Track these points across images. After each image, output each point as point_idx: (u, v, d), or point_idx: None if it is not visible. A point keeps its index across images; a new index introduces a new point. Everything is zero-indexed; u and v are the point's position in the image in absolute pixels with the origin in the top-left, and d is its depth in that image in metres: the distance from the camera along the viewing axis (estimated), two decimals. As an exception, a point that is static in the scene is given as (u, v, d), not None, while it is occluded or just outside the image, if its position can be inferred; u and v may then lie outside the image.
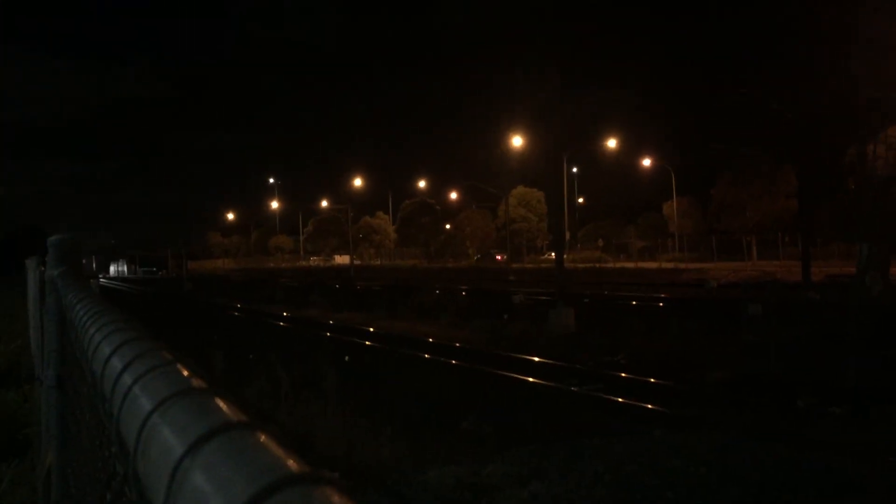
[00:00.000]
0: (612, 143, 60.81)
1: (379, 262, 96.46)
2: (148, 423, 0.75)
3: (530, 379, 14.37)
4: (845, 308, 14.75)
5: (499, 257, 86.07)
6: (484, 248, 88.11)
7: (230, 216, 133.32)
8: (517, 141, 50.59)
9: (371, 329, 24.22)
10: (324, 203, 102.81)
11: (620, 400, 12.31)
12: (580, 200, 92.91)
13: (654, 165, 73.47)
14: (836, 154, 43.69)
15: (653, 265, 62.37)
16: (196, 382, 0.83)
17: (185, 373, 0.89)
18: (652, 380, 13.84)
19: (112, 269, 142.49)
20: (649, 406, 11.79)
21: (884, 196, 16.75)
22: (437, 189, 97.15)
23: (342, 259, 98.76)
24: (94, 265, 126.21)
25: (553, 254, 33.29)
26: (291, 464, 0.50)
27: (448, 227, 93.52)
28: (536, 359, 16.57)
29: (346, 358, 17.20)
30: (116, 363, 1.11)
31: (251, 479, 0.49)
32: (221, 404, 0.70)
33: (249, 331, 25.10)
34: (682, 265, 58.07)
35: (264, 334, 23.39)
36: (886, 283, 15.30)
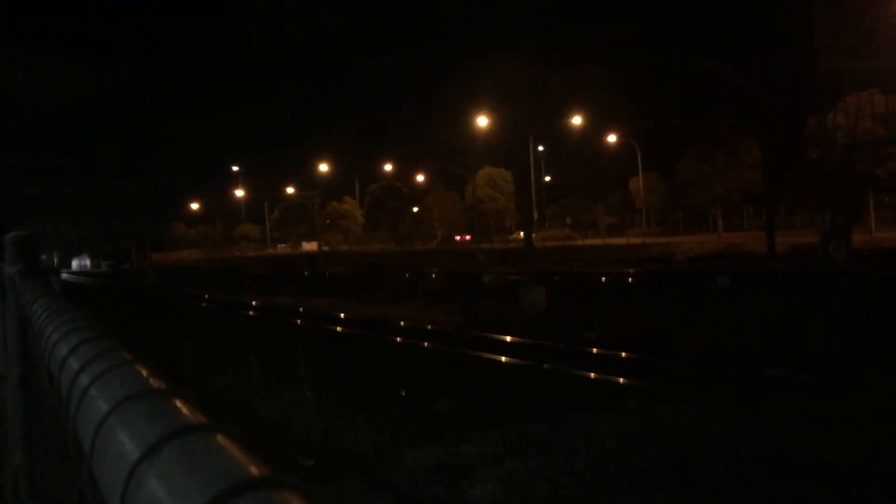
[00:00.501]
0: (577, 121, 61.02)
1: (347, 248, 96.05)
2: (104, 426, 0.72)
3: (503, 358, 14.44)
4: (811, 278, 15.01)
5: (458, 238, 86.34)
6: (453, 230, 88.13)
7: (194, 206, 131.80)
8: (483, 121, 50.53)
9: (342, 315, 24.15)
10: (290, 190, 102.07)
11: (594, 376, 12.42)
12: (547, 179, 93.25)
13: (619, 142, 73.91)
14: (797, 125, 44.33)
15: (621, 241, 62.89)
16: (155, 383, 0.80)
17: (144, 373, 0.86)
18: (624, 354, 13.99)
19: (74, 263, 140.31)
20: (622, 381, 11.91)
21: (845, 165, 17.03)
22: (405, 172, 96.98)
23: (310, 246, 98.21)
24: (55, 260, 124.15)
25: (522, 233, 33.42)
26: (251, 467, 0.47)
27: (416, 209, 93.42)
28: (509, 338, 16.65)
29: (319, 345, 17.13)
30: (73, 363, 1.07)
31: (208, 485, 0.46)
32: (180, 406, 0.67)
33: (219, 321, 24.89)
34: (650, 240, 58.64)
35: (234, 324, 23.21)
36: (849, 252, 15.57)
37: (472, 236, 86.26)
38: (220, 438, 0.55)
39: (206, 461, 0.50)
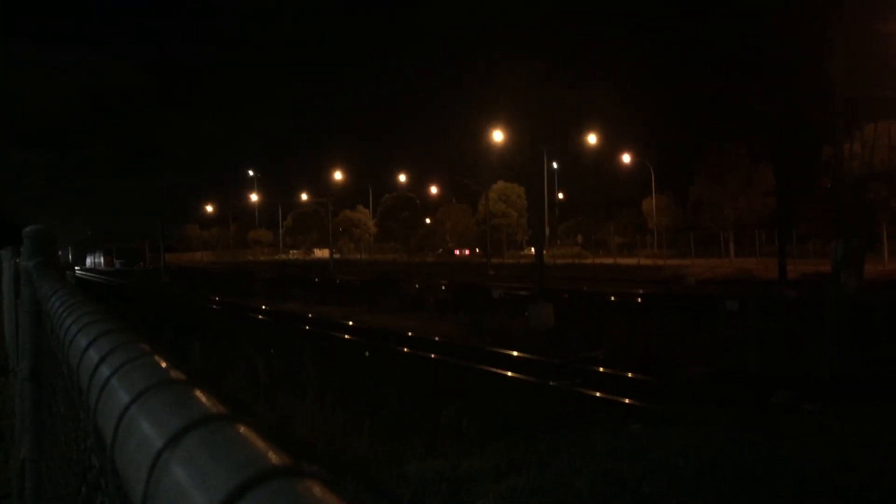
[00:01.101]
0: (592, 139, 61.07)
1: (359, 256, 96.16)
2: (126, 416, 0.74)
3: (509, 373, 14.41)
4: (820, 305, 14.92)
5: (458, 252, 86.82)
6: (464, 243, 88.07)
7: (209, 208, 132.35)
8: (498, 136, 50.65)
9: (350, 323, 24.17)
10: (304, 196, 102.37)
11: (599, 395, 12.38)
12: (560, 196, 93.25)
13: (633, 162, 73.88)
14: (812, 153, 44.19)
15: (631, 261, 62.71)
16: (175, 374, 0.82)
17: (164, 364, 0.88)
18: (630, 374, 13.93)
19: (88, 260, 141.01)
20: (628, 401, 11.87)
21: (859, 194, 16.97)
22: (418, 183, 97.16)
23: (322, 253, 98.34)
24: (70, 257, 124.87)
25: (533, 249, 33.41)
26: (273, 456, 0.49)
27: (428, 221, 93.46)
28: (516, 353, 16.62)
29: (326, 352, 17.14)
30: (93, 355, 1.10)
31: (232, 472, 0.48)
32: (201, 396, 0.69)
33: (228, 324, 24.95)
34: (661, 261, 58.44)
35: (243, 328, 23.26)
36: (861, 281, 15.49)
37: (470, 251, 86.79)
38: (241, 428, 0.56)
39: (229, 449, 0.52)
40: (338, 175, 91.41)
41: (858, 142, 22.63)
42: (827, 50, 19.05)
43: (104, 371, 0.96)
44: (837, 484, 7.42)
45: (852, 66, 18.84)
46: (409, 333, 20.69)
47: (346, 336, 21.34)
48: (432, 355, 17.02)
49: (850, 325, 13.74)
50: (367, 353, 17.75)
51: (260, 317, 28.71)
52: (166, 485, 0.54)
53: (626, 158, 73.62)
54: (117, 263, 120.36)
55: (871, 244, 39.95)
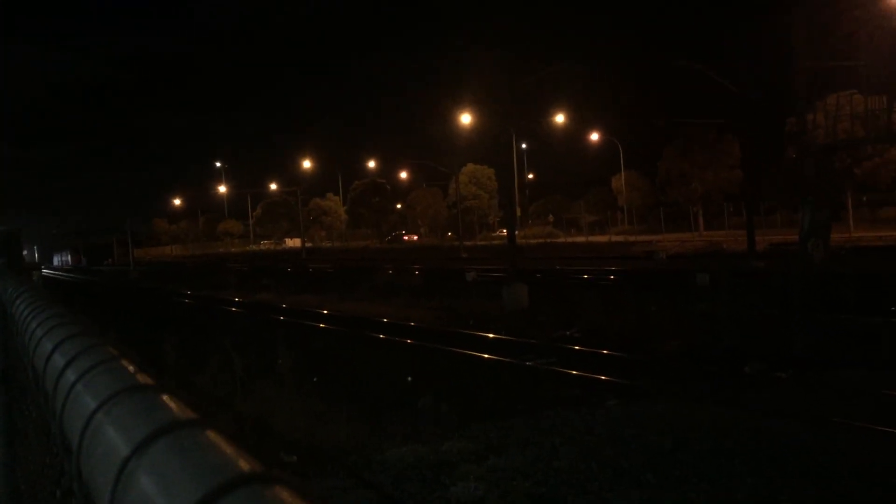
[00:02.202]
0: (560, 119, 61.11)
1: (330, 244, 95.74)
2: (92, 423, 0.72)
3: (486, 355, 14.47)
4: (789, 276, 15.14)
5: (406, 237, 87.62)
6: (437, 227, 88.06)
7: (177, 202, 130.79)
8: (466, 118, 50.54)
9: (325, 311, 24.09)
10: (273, 186, 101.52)
11: (575, 373, 12.48)
12: (530, 176, 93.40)
13: (602, 140, 74.16)
14: (777, 124, 44.70)
15: (603, 239, 63.12)
16: (142, 379, 0.80)
17: (131, 369, 0.87)
18: (605, 352, 14.05)
19: (56, 259, 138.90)
20: (603, 378, 11.97)
21: (823, 164, 17.19)
22: (388, 169, 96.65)
23: (293, 242, 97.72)
24: (36, 256, 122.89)
25: (505, 230, 33.50)
26: (243, 463, 0.48)
27: (399, 206, 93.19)
28: (491, 335, 16.67)
29: (301, 341, 17.08)
30: (59, 359, 1.07)
31: (200, 481, 0.47)
32: (169, 401, 0.68)
33: (201, 318, 24.76)
34: (632, 238, 58.89)
35: (217, 320, 23.09)
36: (827, 250, 15.73)
37: (410, 236, 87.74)
38: (210, 434, 0.55)
39: (197, 457, 0.51)
40: (307, 164, 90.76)
41: (822, 112, 22.91)
42: (789, 21, 19.23)
43: (70, 376, 0.94)
44: (807, 454, 7.57)
45: (813, 37, 19.04)
46: (385, 320, 20.67)
47: (322, 325, 21.28)
48: (408, 341, 17.03)
49: (818, 295, 13.96)
50: (342, 342, 17.72)
51: (233, 309, 28.52)
52: (133, 494, 0.53)
53: (595, 137, 73.89)
54: (84, 261, 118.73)
55: (836, 213, 40.57)
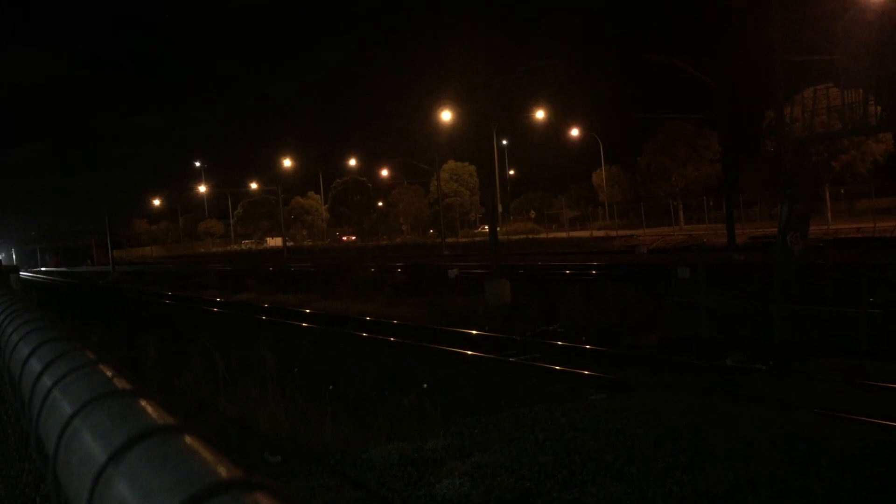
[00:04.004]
0: (540, 115, 61.22)
1: (312, 243, 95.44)
2: (68, 429, 0.71)
3: (469, 352, 14.48)
4: (769, 269, 15.26)
5: (345, 238, 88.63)
6: (419, 224, 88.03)
7: (156, 202, 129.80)
8: (446, 115, 50.52)
9: (307, 310, 24.01)
10: (253, 185, 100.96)
11: (558, 368, 12.52)
12: (511, 172, 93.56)
13: (582, 135, 74.38)
14: (755, 118, 45.04)
15: (584, 234, 63.38)
16: (120, 383, 0.79)
17: (109, 373, 0.85)
18: (588, 346, 14.11)
19: (34, 261, 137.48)
20: (587, 372, 12.02)
21: (801, 157, 17.32)
22: (369, 166, 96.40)
23: (274, 241, 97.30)
24: (13, 258, 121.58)
25: (486, 227, 33.53)
26: (221, 469, 0.47)
27: (380, 204, 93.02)
28: (474, 332, 16.69)
29: (284, 340, 17.01)
30: (35, 364, 1.06)
31: (179, 487, 0.46)
32: (147, 406, 0.67)
33: (183, 318, 24.60)
34: (613, 233, 59.15)
35: (199, 321, 22.95)
36: (806, 243, 15.84)
37: (349, 237, 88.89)
38: (188, 439, 0.55)
39: (175, 463, 0.50)
40: (287, 162, 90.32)
41: (799, 106, 23.10)
42: (765, 15, 19.35)
43: (46, 381, 0.92)
44: (788, 443, 7.64)
45: (789, 30, 19.17)
46: (367, 318, 20.64)
47: (304, 324, 21.20)
48: (391, 339, 17.00)
49: (797, 287, 14.08)
50: (325, 340, 17.67)
51: (215, 309, 28.36)
52: (109, 502, 0.52)
53: (575, 132, 74.10)
54: (63, 263, 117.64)
55: (815, 206, 40.95)
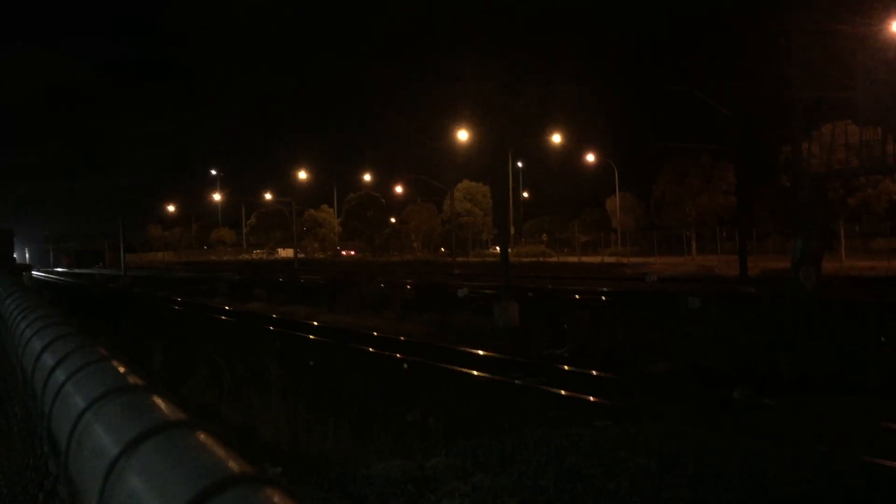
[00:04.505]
0: (556, 139, 61.39)
1: (323, 256, 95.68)
2: (81, 422, 0.72)
3: (475, 372, 14.44)
4: (780, 302, 15.18)
5: (344, 252, 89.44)
6: (430, 242, 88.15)
7: (170, 208, 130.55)
8: (463, 135, 50.71)
9: (315, 323, 24.03)
10: (267, 195, 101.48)
11: (564, 392, 12.46)
12: (525, 195, 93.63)
13: (597, 161, 74.48)
14: (772, 151, 45.00)
15: (596, 259, 63.23)
16: (133, 379, 0.80)
17: (122, 369, 0.86)
18: (595, 372, 14.04)
19: (46, 261, 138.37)
20: (592, 398, 11.95)
21: (817, 193, 17.28)
22: (383, 182, 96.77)
23: (286, 252, 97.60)
24: (26, 258, 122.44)
25: (498, 248, 33.55)
26: (233, 464, 0.48)
27: (393, 220, 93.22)
28: (481, 352, 16.65)
29: (290, 352, 17.02)
30: (48, 359, 1.07)
31: (191, 481, 0.47)
32: (159, 402, 0.67)
33: (191, 325, 24.66)
34: (625, 259, 59.00)
35: (206, 328, 23.00)
36: (819, 278, 15.78)
37: (349, 252, 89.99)
38: (200, 435, 0.55)
39: (187, 457, 0.51)
40: (302, 174, 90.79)
41: (816, 142, 23.09)
42: (784, 51, 19.40)
43: (59, 375, 0.93)
44: (793, 481, 7.56)
45: (809, 66, 19.21)
46: (375, 333, 20.63)
47: (311, 336, 21.21)
48: (397, 354, 16.98)
49: (808, 323, 14.00)
50: (331, 353, 17.66)
51: (223, 317, 28.42)
52: (122, 494, 0.52)
53: (591, 158, 74.21)
54: (75, 264, 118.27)
55: (829, 242, 40.77)
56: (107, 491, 0.54)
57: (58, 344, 1.14)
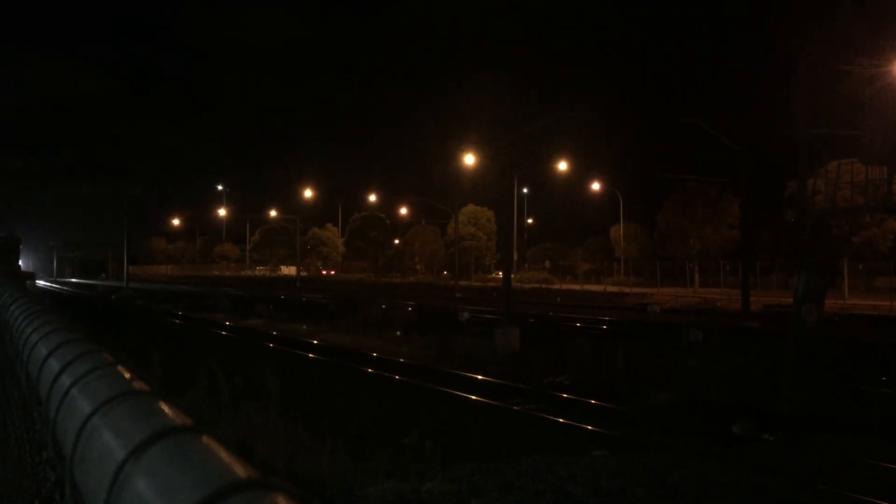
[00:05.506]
0: (562, 166, 61.55)
1: (326, 274, 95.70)
2: (87, 426, 0.72)
3: (474, 397, 14.37)
4: (782, 338, 15.12)
5: (324, 272, 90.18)
6: (433, 265, 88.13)
7: (175, 221, 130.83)
8: (469, 159, 50.89)
9: (315, 341, 23.98)
10: (272, 212, 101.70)
11: (562, 420, 12.39)
12: (529, 221, 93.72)
13: (602, 189, 74.62)
14: (777, 186, 45.07)
15: (598, 288, 63.08)
16: (139, 384, 0.80)
17: (128, 375, 0.87)
18: (594, 401, 13.97)
19: (51, 270, 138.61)
20: (591, 427, 11.88)
21: (822, 230, 17.27)
22: (388, 203, 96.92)
23: (288, 270, 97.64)
24: (30, 265, 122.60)
25: (500, 273, 33.54)
26: (239, 469, 0.48)
27: (397, 241, 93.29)
28: (480, 377, 16.58)
29: (289, 369, 16.97)
30: (54, 364, 1.07)
31: (198, 485, 0.47)
32: (166, 407, 0.68)
33: (191, 339, 24.63)
34: (627, 289, 58.86)
35: (207, 343, 22.96)
36: (821, 315, 15.73)
37: (328, 271, 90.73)
38: (207, 440, 0.56)
39: (194, 462, 0.51)
40: (308, 192, 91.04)
41: (822, 178, 23.12)
42: (791, 88, 19.50)
43: (65, 380, 0.94)
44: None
45: (816, 104, 19.28)
46: (374, 354, 20.57)
47: (311, 354, 21.16)
48: (396, 376, 16.92)
49: (809, 359, 13.94)
50: (330, 373, 17.61)
51: (223, 332, 28.38)
52: (128, 498, 0.53)
53: (596, 186, 74.37)
54: (78, 274, 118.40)
55: (832, 280, 40.66)
56: (113, 494, 0.55)
57: (63, 349, 1.15)
